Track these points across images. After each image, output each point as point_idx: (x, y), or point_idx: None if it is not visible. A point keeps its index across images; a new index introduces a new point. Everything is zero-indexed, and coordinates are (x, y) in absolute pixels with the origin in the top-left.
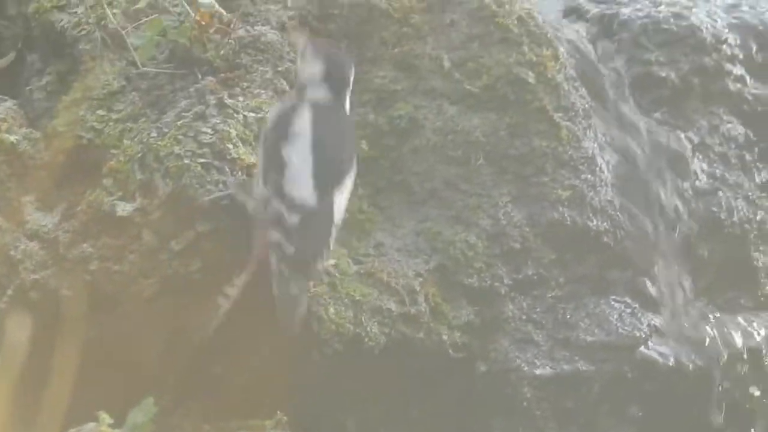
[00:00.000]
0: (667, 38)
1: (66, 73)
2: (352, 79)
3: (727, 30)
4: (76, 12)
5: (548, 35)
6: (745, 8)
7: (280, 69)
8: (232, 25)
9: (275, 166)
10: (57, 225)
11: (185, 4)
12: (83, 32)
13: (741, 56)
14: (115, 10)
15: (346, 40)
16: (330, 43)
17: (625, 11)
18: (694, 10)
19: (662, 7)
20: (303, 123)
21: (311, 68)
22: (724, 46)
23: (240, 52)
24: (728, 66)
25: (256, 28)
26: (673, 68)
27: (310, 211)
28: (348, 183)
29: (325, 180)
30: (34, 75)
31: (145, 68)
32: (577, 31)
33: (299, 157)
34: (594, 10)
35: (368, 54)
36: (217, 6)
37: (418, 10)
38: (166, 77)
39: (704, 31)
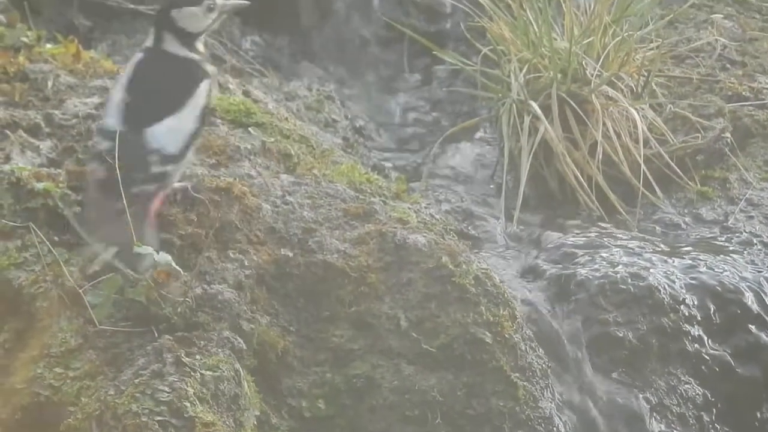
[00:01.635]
0: (625, 298)
1: (23, 331)
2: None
3: (685, 291)
4: (33, 270)
5: (505, 295)
6: (702, 269)
7: (238, 327)
8: (188, 283)
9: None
10: None
11: (142, 263)
12: (40, 290)
13: (699, 317)
14: (72, 268)
15: (303, 298)
16: None
17: (582, 271)
18: (651, 270)
19: (619, 268)
20: (128, 67)
21: None
22: (682, 307)
23: (197, 310)
24: (686, 326)
25: (213, 286)
26: (631, 328)
27: (119, 137)
28: (186, 107)
29: (137, 111)
30: None
31: (102, 326)
32: (534, 291)
33: (115, 95)
34: (551, 270)
35: (325, 313)
36: (173, 264)
37: (375, 269)
38: (123, 335)
39: (662, 291)
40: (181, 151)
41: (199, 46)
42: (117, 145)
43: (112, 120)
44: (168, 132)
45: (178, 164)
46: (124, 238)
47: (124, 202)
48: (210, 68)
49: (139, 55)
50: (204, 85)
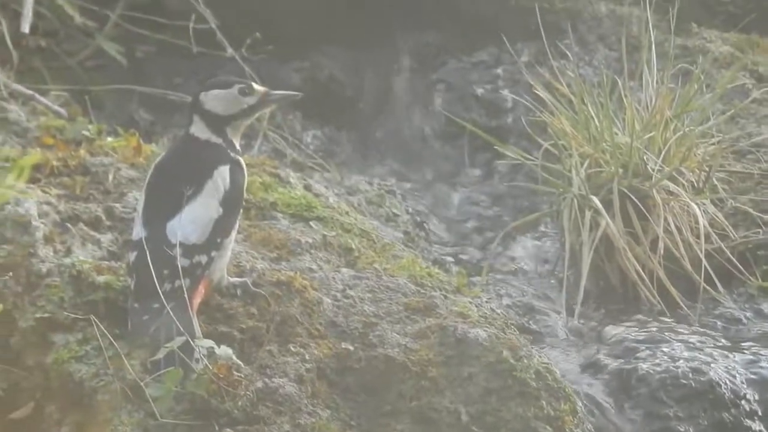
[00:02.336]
0: (686, 393)
1: (84, 424)
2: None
3: (746, 386)
4: (94, 363)
5: (566, 389)
6: (763, 364)
7: (298, 421)
8: (249, 377)
9: None
10: None
11: (203, 357)
12: (101, 383)
13: (760, 412)
14: (133, 361)
15: (363, 392)
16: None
17: (644, 366)
18: (712, 365)
19: (681, 362)
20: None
21: None
22: (743, 402)
23: (258, 404)
24: (747, 422)
25: (273, 380)
26: (692, 423)
27: (141, 244)
28: (204, 193)
29: (157, 209)
30: (53, 426)
31: (163, 419)
32: (595, 386)
33: (139, 201)
34: (612, 364)
35: (386, 407)
36: (234, 358)
37: (436, 363)
38: (184, 428)
39: (723, 386)
40: (208, 239)
41: (231, 131)
42: (146, 251)
43: (137, 229)
44: (187, 223)
45: (209, 253)
46: (170, 334)
47: (163, 301)
48: (235, 155)
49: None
50: (223, 170)
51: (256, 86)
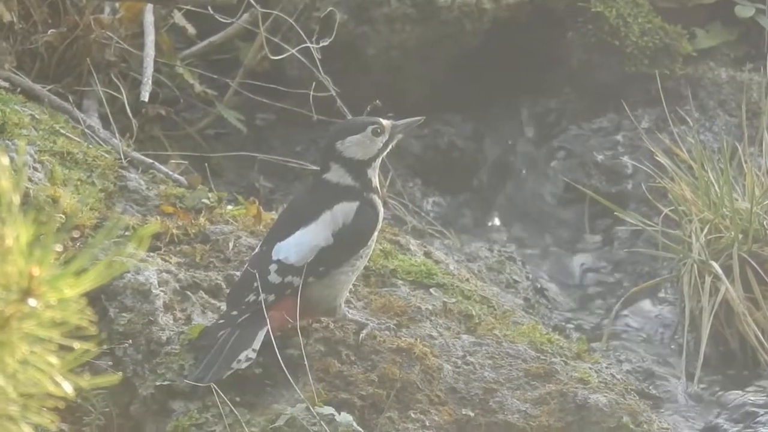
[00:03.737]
0: None
1: None
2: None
3: None
4: (214, 430)
5: None
6: None
7: None
8: None
9: None
10: None
11: (323, 424)
12: None
13: None
14: (253, 429)
15: None
16: None
17: (763, 431)
18: None
19: None
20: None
21: None
22: None
23: None
24: None
25: None
26: None
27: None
28: (318, 221)
29: (273, 234)
30: None
31: None
32: None
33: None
34: (732, 429)
35: None
36: (355, 425)
37: (557, 428)
38: None
39: None
40: (308, 264)
41: (371, 171)
42: (250, 261)
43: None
44: (293, 245)
45: (306, 278)
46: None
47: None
48: (370, 194)
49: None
50: (347, 206)
51: (383, 121)
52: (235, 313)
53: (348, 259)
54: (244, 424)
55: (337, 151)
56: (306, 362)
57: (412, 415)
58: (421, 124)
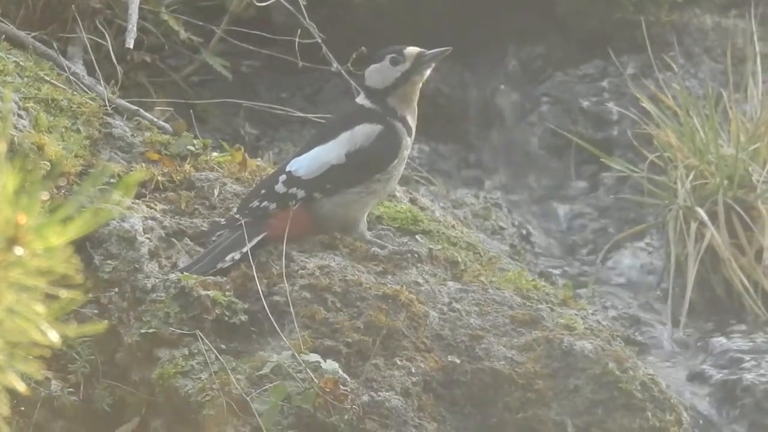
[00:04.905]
0: None
1: None
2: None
3: None
4: (200, 378)
5: (672, 400)
6: None
7: None
8: (356, 391)
9: None
10: None
11: (309, 371)
12: (207, 398)
13: None
14: (239, 376)
15: (470, 405)
16: None
17: (749, 376)
18: None
19: None
20: None
21: None
22: None
23: (364, 418)
24: None
25: (380, 393)
26: None
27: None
28: (336, 140)
29: (295, 152)
30: None
31: None
32: (700, 397)
33: None
34: (717, 375)
35: (492, 419)
36: (341, 372)
37: (542, 375)
38: None
39: None
40: (316, 179)
41: (392, 100)
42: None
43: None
44: (307, 159)
45: (311, 192)
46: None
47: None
48: (394, 120)
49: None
50: (368, 128)
51: (408, 50)
52: (238, 216)
53: (362, 180)
54: (229, 371)
55: (363, 78)
56: (292, 309)
57: (398, 362)
58: None
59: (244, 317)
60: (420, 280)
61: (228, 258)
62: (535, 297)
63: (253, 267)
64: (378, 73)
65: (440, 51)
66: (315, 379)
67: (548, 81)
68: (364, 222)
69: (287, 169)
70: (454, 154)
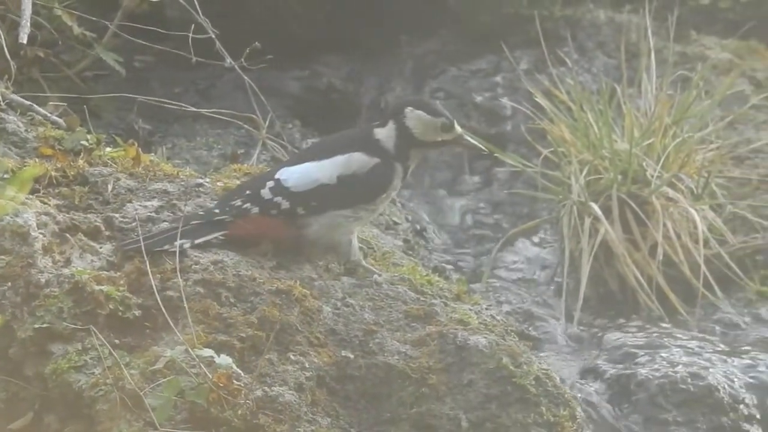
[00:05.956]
0: (685, 398)
1: None
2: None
3: (744, 390)
4: (93, 373)
5: (566, 395)
6: (762, 368)
7: (298, 430)
8: (249, 386)
9: None
10: None
11: (203, 366)
12: (101, 393)
13: (758, 416)
14: (132, 371)
15: (363, 400)
16: None
17: (643, 371)
18: (711, 370)
19: (679, 368)
20: None
21: None
22: (742, 406)
23: (258, 413)
24: (746, 426)
25: (273, 388)
26: (691, 428)
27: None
28: (331, 160)
29: (290, 160)
30: None
31: (162, 429)
32: (594, 391)
33: None
34: (611, 370)
35: (386, 414)
36: (234, 367)
37: (436, 370)
38: None
39: (722, 391)
40: (302, 193)
41: (413, 152)
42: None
43: None
44: (298, 171)
45: (294, 205)
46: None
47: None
48: (397, 163)
49: None
50: (367, 158)
51: (457, 127)
52: (217, 211)
53: (349, 205)
54: (123, 366)
55: (403, 114)
56: (185, 304)
57: (292, 357)
58: (301, 65)
59: (137, 312)
60: (314, 275)
61: (178, 244)
62: (429, 292)
63: (147, 262)
64: (423, 126)
65: (478, 145)
66: (208, 374)
67: (441, 76)
68: (355, 247)
69: (276, 176)
70: None
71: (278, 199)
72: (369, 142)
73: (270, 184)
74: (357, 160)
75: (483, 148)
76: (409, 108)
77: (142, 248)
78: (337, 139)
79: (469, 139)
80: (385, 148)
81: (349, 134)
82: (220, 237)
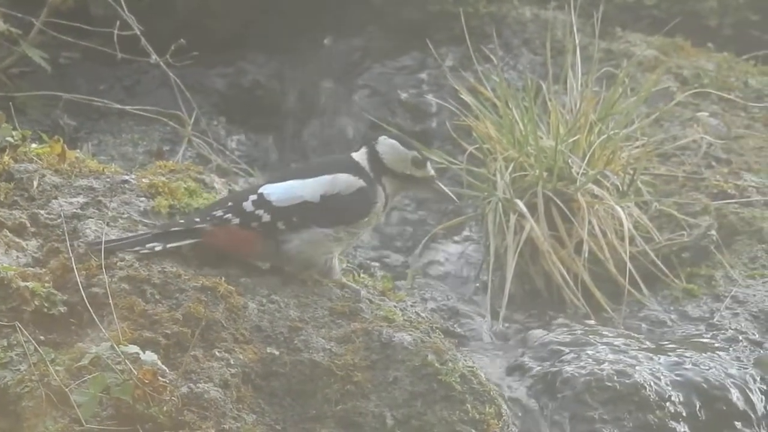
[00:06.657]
0: (611, 396)
1: (9, 431)
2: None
3: (670, 388)
4: (19, 369)
5: (491, 393)
6: (688, 366)
7: (223, 426)
8: (174, 383)
9: None
10: None
11: (128, 363)
12: (26, 389)
13: (685, 413)
14: (58, 368)
15: (289, 397)
16: None
17: (569, 369)
18: (637, 367)
19: (605, 365)
20: None
21: None
22: (668, 404)
23: (183, 409)
24: (672, 423)
25: (198, 385)
26: (617, 425)
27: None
28: (316, 179)
29: (275, 177)
30: None
31: (88, 425)
32: (520, 389)
33: None
34: (537, 367)
35: (311, 411)
36: (160, 364)
37: (361, 367)
38: None
39: (648, 388)
40: (284, 208)
41: (385, 180)
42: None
43: None
44: (282, 187)
45: (275, 220)
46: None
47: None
48: (378, 186)
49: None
50: (352, 180)
51: (429, 167)
52: (197, 219)
53: (330, 225)
54: (48, 362)
55: (376, 141)
56: (111, 301)
57: (217, 354)
58: (226, 62)
59: (63, 309)
60: (239, 272)
61: (149, 246)
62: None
63: (72, 258)
64: (395, 155)
65: (448, 194)
66: (134, 371)
67: (366, 72)
68: (335, 267)
69: (260, 190)
70: (273, 146)
71: (260, 212)
72: (353, 165)
73: (253, 197)
74: (343, 181)
75: (453, 197)
76: (384, 137)
77: (102, 249)
78: (323, 161)
79: (440, 185)
80: (366, 171)
81: (335, 157)
82: (192, 244)
